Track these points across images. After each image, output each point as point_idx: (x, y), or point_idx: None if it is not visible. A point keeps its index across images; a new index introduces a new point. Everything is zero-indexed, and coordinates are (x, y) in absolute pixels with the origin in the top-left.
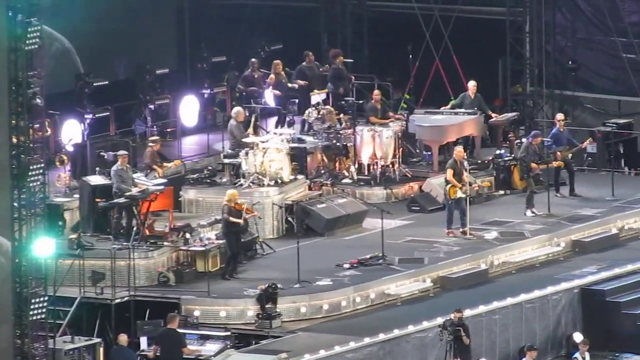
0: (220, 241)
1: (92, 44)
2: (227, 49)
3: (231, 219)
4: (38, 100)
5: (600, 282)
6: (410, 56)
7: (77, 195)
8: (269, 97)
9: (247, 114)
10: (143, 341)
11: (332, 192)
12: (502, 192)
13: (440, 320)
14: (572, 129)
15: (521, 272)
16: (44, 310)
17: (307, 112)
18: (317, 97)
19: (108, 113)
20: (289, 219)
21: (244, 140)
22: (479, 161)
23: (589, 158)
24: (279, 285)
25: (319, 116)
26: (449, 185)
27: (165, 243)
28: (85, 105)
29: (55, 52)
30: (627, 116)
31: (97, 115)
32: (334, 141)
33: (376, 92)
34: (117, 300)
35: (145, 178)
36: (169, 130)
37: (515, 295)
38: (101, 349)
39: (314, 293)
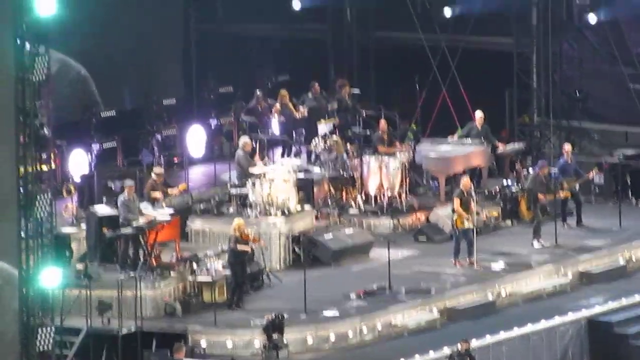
0: (227, 272)
1: (100, 74)
2: (234, 80)
3: (239, 247)
4: (45, 131)
5: (608, 314)
6: (417, 87)
7: (84, 226)
8: (275, 126)
9: (254, 144)
10: None
11: (339, 222)
12: (509, 222)
13: (447, 350)
14: (580, 161)
15: (528, 302)
16: (50, 340)
17: (313, 142)
18: (324, 126)
19: (115, 144)
20: (296, 249)
21: (251, 170)
22: (486, 192)
23: (596, 189)
24: (285, 315)
25: (326, 147)
26: (456, 216)
27: (172, 273)
28: (92, 136)
29: (72, 79)
30: (635, 147)
31: (104, 146)
32: (341, 171)
33: (382, 122)
34: (124, 331)
35: (152, 208)
36: (176, 160)
37: (522, 325)
38: None
39: (320, 323)
